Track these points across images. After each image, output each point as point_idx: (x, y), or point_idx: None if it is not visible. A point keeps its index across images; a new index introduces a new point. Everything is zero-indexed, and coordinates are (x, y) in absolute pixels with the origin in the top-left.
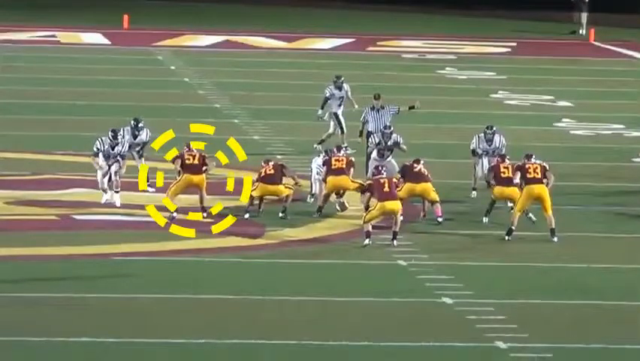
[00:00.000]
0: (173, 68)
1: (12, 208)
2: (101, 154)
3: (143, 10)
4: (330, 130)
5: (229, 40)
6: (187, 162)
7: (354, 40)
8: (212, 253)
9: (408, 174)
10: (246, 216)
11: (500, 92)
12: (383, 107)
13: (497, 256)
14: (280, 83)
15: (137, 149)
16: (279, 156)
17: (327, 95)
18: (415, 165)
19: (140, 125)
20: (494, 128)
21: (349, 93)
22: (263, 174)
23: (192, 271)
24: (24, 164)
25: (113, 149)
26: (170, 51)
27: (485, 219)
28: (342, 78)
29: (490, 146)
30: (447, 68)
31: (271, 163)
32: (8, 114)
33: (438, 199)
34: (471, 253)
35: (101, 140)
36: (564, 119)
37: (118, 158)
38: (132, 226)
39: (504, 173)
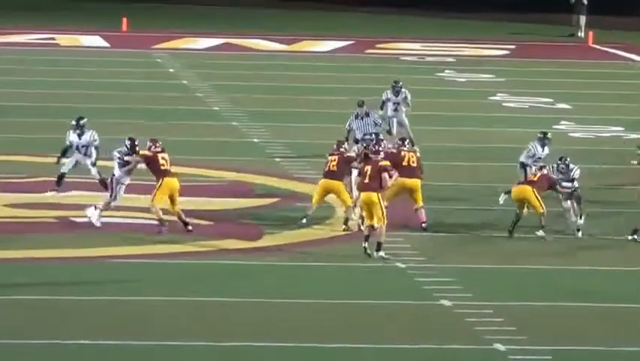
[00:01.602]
0: (172, 70)
1: (11, 211)
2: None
3: (142, 13)
4: (393, 130)
5: (228, 43)
6: (162, 167)
7: (353, 42)
8: (211, 256)
9: (399, 165)
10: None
11: (499, 94)
12: (368, 115)
13: (496, 259)
14: (279, 85)
15: (84, 151)
16: (277, 159)
17: (384, 98)
18: (404, 154)
19: (82, 122)
20: (568, 160)
21: (408, 99)
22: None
23: (191, 273)
24: (22, 166)
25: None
26: (169, 54)
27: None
28: (401, 83)
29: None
30: (446, 71)
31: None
32: (7, 117)
33: (422, 203)
34: (470, 256)
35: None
36: (563, 122)
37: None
38: (131, 229)
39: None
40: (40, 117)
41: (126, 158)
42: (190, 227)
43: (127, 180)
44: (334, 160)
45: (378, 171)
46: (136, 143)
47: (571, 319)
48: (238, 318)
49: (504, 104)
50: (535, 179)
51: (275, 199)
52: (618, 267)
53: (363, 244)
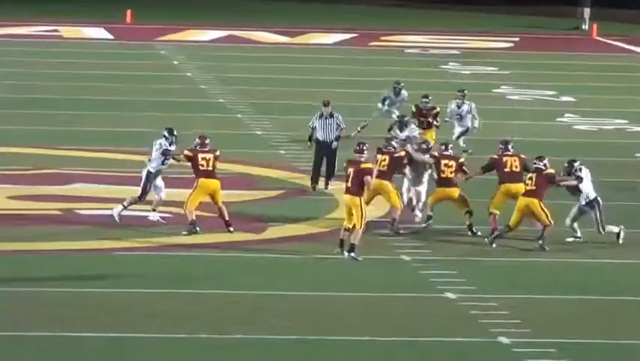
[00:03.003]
0: (176, 62)
1: (15, 203)
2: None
3: (146, 5)
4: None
5: (232, 35)
6: (201, 167)
7: (357, 35)
8: (215, 249)
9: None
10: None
11: (503, 87)
12: (332, 116)
13: (500, 252)
14: (283, 78)
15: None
16: (282, 152)
17: (385, 95)
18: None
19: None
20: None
21: (405, 99)
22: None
23: (194, 266)
24: (26, 158)
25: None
26: (174, 46)
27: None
28: (402, 84)
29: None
30: (450, 63)
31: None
32: (11, 109)
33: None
34: (474, 249)
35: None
36: (567, 115)
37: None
38: (135, 221)
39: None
40: (44, 109)
41: (172, 153)
42: (232, 228)
43: (159, 178)
44: (384, 159)
45: (359, 175)
46: (174, 133)
47: (575, 312)
48: (241, 310)
49: (508, 96)
50: (534, 187)
51: (279, 192)
52: (622, 260)
53: (335, 250)
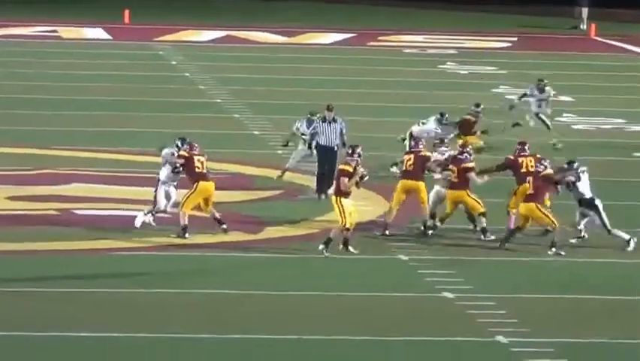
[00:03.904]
0: (174, 63)
1: (12, 203)
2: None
3: (144, 5)
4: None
5: (230, 35)
6: (197, 169)
7: (355, 35)
8: (215, 249)
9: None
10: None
11: (501, 86)
12: (335, 120)
13: (498, 251)
14: (281, 78)
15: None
16: (279, 152)
17: (527, 92)
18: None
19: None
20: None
21: (551, 97)
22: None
23: (194, 266)
24: (25, 159)
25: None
26: (172, 46)
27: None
28: (545, 81)
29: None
30: (448, 63)
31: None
32: (10, 109)
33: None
34: (471, 248)
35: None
36: (565, 114)
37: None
38: (133, 221)
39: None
40: (42, 110)
41: (168, 159)
42: (225, 225)
43: (173, 184)
44: (409, 159)
45: (337, 176)
46: (187, 142)
47: (573, 311)
48: (239, 310)
49: (506, 96)
50: (534, 191)
51: (276, 192)
52: (621, 259)
53: (339, 247)
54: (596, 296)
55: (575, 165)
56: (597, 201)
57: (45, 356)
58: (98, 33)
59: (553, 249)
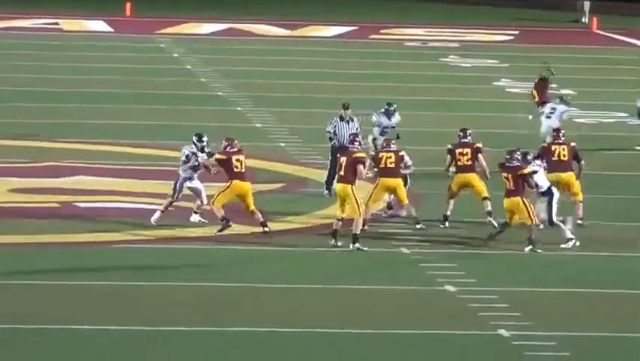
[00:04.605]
0: (175, 55)
1: (14, 196)
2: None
3: None
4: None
5: (232, 28)
6: (235, 169)
7: (357, 28)
8: (217, 241)
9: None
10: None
11: (503, 79)
12: (352, 119)
13: (500, 244)
14: (283, 70)
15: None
16: (282, 144)
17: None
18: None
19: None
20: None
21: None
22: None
23: (193, 258)
24: (28, 151)
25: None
26: (173, 39)
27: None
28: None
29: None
30: (450, 56)
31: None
32: (11, 102)
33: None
34: (473, 241)
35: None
36: None
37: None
38: (135, 214)
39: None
40: (44, 102)
41: (202, 161)
42: (267, 229)
43: (194, 180)
44: (390, 157)
45: (353, 163)
46: (204, 139)
47: (575, 305)
48: (242, 304)
49: (508, 89)
50: (514, 187)
51: (279, 184)
52: (622, 253)
53: (331, 241)
54: (598, 290)
55: (529, 157)
56: (554, 189)
57: (45, 349)
58: (99, 25)
59: (530, 246)
